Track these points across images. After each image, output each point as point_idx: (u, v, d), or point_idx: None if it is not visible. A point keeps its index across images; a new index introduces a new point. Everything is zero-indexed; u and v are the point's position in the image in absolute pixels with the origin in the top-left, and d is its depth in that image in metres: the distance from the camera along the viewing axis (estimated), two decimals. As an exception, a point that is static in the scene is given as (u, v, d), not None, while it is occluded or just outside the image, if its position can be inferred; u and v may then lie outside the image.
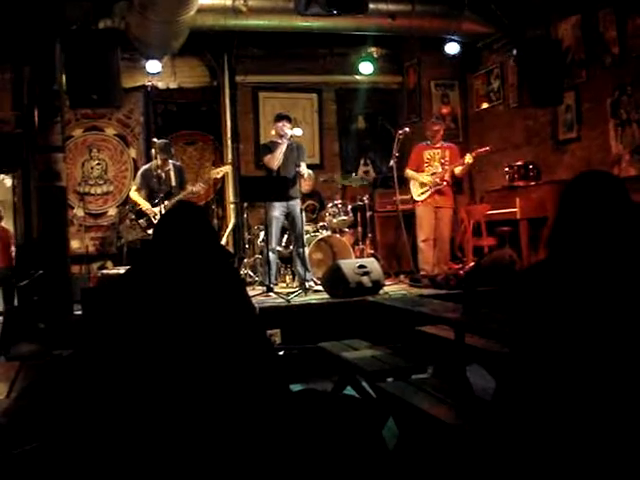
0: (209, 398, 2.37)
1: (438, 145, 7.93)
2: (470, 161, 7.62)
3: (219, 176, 8.12)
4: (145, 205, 7.55)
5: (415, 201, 7.92)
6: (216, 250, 2.74)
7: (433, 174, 7.78)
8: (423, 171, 7.85)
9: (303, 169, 7.41)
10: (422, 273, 7.68)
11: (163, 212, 7.20)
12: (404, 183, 8.13)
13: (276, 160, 7.30)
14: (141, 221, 7.61)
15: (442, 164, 7.80)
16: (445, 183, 7.79)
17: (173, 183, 7.56)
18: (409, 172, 7.97)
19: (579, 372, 1.95)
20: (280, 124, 7.41)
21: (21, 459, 2.60)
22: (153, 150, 7.71)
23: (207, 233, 2.69)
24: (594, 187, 2.12)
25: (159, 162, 7.55)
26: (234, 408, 2.39)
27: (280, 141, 7.37)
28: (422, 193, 7.82)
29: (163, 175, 7.55)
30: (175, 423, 2.32)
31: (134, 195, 7.73)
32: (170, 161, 7.67)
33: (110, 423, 2.37)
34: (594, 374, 1.94)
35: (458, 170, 7.77)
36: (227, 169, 8.17)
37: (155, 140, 7.86)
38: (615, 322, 1.95)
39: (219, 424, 2.35)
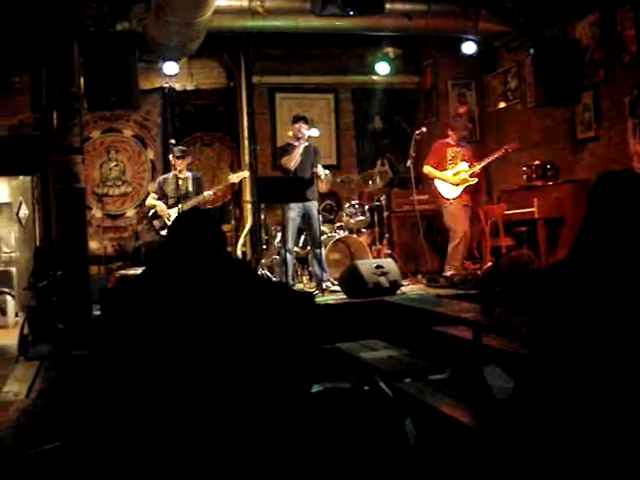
0: (227, 397, 2.38)
1: (459, 143, 7.98)
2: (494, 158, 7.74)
3: (236, 181, 8.11)
4: (160, 207, 7.57)
5: (445, 199, 7.85)
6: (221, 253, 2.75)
7: (461, 172, 7.79)
8: (445, 169, 7.84)
9: (320, 170, 7.40)
10: (451, 272, 7.58)
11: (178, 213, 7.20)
12: (421, 183, 8.09)
13: (293, 161, 7.30)
14: (155, 222, 7.62)
15: (466, 161, 7.84)
16: (477, 180, 7.85)
17: (190, 189, 7.57)
18: (430, 169, 7.89)
19: (601, 373, 1.94)
20: (297, 125, 7.41)
21: (41, 458, 2.62)
22: (171, 157, 7.71)
23: (216, 236, 2.70)
24: (624, 187, 2.10)
25: (177, 170, 7.56)
26: (254, 406, 2.39)
27: (297, 143, 7.37)
28: (454, 191, 7.81)
29: (180, 182, 7.54)
30: (194, 422, 2.33)
31: (150, 201, 7.76)
32: (189, 173, 7.68)
33: (128, 422, 2.39)
34: (616, 376, 1.92)
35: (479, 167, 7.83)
36: (244, 174, 8.15)
37: (172, 141, 7.89)
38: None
39: (239, 423, 2.36)
